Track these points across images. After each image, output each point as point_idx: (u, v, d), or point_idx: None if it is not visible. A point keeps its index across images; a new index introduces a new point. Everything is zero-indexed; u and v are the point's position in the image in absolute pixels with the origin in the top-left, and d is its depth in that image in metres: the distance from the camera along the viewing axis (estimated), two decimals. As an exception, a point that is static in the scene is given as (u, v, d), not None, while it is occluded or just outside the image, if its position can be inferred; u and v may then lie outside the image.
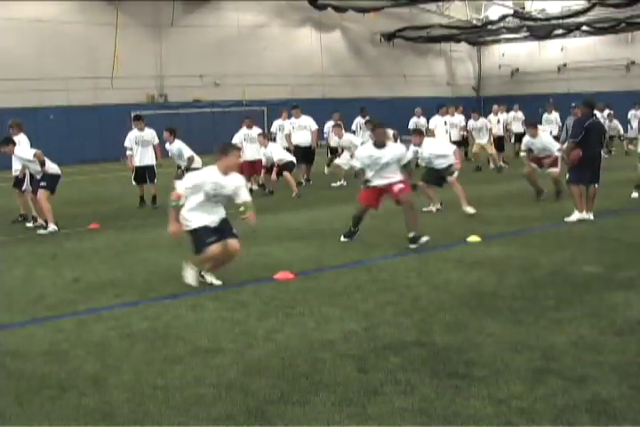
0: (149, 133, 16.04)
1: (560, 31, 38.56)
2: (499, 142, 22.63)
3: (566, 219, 11.71)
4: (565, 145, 12.75)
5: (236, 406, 4.67)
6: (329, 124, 20.70)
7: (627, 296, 7.03)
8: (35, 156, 12.48)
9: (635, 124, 24.64)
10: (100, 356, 5.78)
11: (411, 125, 22.27)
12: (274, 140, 19.01)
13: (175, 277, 8.28)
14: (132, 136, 15.91)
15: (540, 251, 9.39)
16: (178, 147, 15.24)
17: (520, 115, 24.60)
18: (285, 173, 16.77)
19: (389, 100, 37.39)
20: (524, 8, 39.09)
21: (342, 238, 10.56)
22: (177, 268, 8.29)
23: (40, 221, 12.86)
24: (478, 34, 41.72)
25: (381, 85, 39.12)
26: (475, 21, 40.07)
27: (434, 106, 23.75)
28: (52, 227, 12.33)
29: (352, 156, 13.94)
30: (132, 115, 16.57)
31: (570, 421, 4.29)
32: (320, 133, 20.42)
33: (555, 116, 24.23)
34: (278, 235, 11.27)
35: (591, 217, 11.69)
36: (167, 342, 6.06)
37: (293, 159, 17.24)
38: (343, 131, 18.24)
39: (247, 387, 5.00)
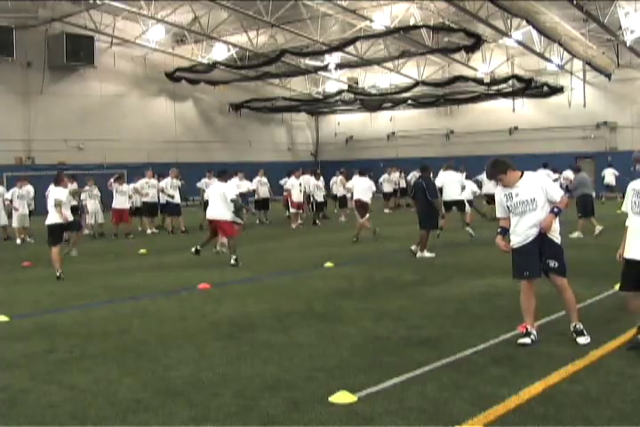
0: None
1: (389, 104, 43.51)
2: (342, 200, 27.45)
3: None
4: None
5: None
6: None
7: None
8: None
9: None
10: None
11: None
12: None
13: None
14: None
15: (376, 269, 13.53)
16: None
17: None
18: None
19: (236, 164, 40.89)
20: (357, 83, 44.29)
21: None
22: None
23: None
24: (316, 105, 46.34)
25: (229, 151, 42.35)
26: (314, 94, 45.02)
27: (276, 169, 28.44)
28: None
29: None
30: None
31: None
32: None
33: (395, 175, 32.14)
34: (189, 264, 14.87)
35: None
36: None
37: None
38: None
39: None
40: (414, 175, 30.31)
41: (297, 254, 16.57)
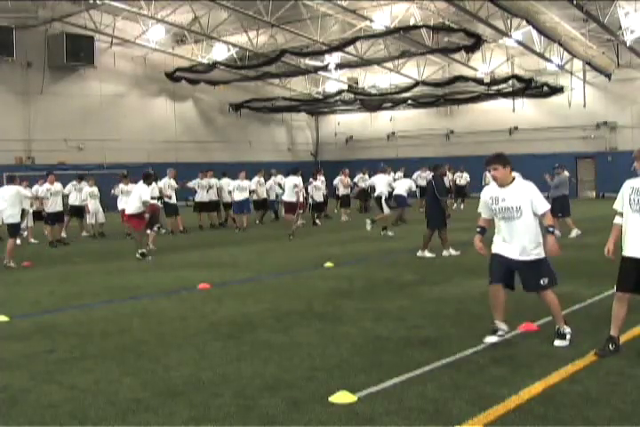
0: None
1: (389, 104, 43.60)
2: (344, 200, 27.81)
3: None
4: None
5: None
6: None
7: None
8: None
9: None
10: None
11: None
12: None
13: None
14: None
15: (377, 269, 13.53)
16: None
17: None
18: None
19: (236, 164, 40.78)
20: (357, 83, 44.32)
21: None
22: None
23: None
24: (316, 105, 46.41)
25: (229, 151, 42.45)
26: (314, 94, 45.03)
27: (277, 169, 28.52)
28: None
29: None
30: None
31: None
32: None
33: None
34: (189, 264, 14.86)
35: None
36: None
37: None
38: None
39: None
40: (419, 175, 30.37)
41: (297, 254, 16.57)
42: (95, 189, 22.16)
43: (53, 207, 19.73)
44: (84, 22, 33.34)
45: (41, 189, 20.10)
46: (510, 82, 37.66)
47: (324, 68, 39.01)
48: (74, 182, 22.86)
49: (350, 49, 35.64)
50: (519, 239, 7.37)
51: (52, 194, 19.78)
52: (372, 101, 43.87)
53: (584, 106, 38.24)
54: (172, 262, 15.49)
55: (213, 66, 38.01)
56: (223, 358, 7.26)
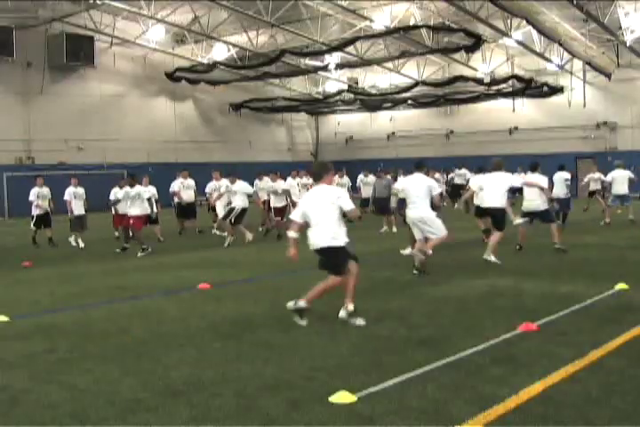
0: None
1: (389, 104, 43.64)
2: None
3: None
4: None
5: (216, 334, 8.23)
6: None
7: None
8: None
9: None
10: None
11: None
12: None
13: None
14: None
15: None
16: None
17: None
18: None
19: (238, 164, 40.53)
20: (357, 83, 44.35)
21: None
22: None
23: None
24: (316, 105, 46.39)
25: (229, 151, 42.38)
26: (314, 94, 45.06)
27: (277, 169, 28.04)
28: None
29: None
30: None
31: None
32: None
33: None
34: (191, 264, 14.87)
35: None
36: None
37: None
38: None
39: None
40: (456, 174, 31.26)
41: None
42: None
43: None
44: (84, 22, 33.33)
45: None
46: (510, 82, 37.71)
47: (324, 68, 39.06)
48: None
49: (350, 49, 35.66)
50: None
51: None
52: (372, 101, 43.85)
53: (584, 106, 38.23)
54: (171, 263, 15.49)
55: (213, 66, 37.99)
56: (223, 357, 7.26)
